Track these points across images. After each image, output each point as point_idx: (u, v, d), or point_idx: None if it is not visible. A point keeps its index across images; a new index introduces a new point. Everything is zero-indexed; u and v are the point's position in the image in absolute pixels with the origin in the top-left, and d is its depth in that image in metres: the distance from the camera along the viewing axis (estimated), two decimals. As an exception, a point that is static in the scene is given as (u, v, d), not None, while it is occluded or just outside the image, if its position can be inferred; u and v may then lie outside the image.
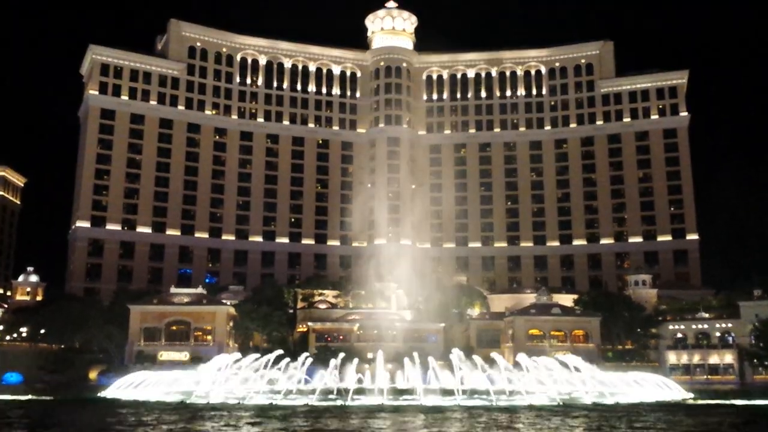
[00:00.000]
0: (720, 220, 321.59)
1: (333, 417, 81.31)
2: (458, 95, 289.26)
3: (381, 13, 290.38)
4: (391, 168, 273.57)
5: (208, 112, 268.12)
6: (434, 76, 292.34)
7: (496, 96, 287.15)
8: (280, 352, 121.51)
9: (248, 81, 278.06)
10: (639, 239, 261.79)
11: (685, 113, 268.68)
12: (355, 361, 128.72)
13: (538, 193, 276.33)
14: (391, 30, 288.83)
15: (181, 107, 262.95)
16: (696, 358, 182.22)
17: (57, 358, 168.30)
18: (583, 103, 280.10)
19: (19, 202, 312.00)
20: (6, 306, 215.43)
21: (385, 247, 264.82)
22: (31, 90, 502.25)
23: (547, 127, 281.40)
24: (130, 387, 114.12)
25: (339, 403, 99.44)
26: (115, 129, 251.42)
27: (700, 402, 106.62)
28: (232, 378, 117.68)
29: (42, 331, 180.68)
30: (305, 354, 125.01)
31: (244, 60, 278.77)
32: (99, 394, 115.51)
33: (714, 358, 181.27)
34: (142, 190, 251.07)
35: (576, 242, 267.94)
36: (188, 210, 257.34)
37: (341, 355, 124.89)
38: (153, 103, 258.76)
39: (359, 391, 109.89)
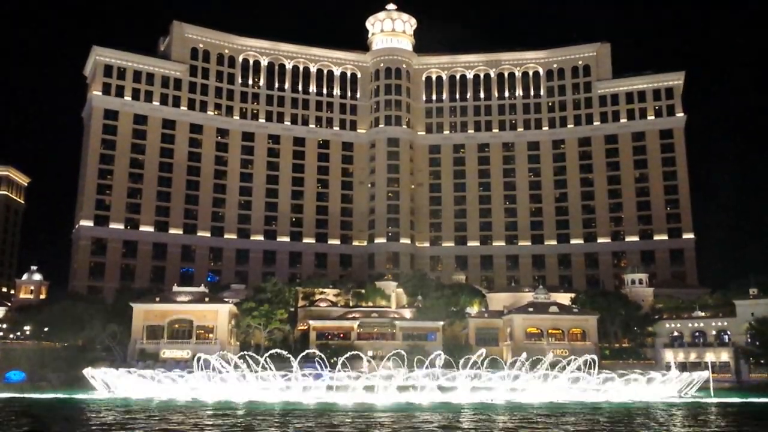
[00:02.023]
0: (716, 220, 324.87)
1: (326, 415, 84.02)
2: (457, 96, 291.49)
3: (381, 15, 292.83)
4: (391, 168, 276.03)
5: (210, 113, 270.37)
6: (433, 77, 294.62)
7: (494, 97, 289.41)
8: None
9: (250, 82, 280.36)
10: (636, 238, 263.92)
11: (682, 114, 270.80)
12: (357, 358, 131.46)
13: (535, 192, 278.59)
14: (391, 32, 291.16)
15: (183, 108, 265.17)
16: (692, 356, 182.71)
17: (60, 357, 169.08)
18: (580, 104, 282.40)
19: (23, 202, 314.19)
20: (9, 304, 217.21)
21: (385, 246, 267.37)
22: (34, 91, 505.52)
23: (545, 128, 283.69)
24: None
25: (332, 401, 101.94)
26: (118, 129, 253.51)
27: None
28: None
29: (45, 330, 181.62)
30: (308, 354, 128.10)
31: (245, 61, 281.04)
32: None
33: (710, 357, 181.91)
34: (144, 190, 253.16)
35: (573, 241, 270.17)
36: (190, 209, 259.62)
37: (346, 354, 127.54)
38: (156, 103, 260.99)
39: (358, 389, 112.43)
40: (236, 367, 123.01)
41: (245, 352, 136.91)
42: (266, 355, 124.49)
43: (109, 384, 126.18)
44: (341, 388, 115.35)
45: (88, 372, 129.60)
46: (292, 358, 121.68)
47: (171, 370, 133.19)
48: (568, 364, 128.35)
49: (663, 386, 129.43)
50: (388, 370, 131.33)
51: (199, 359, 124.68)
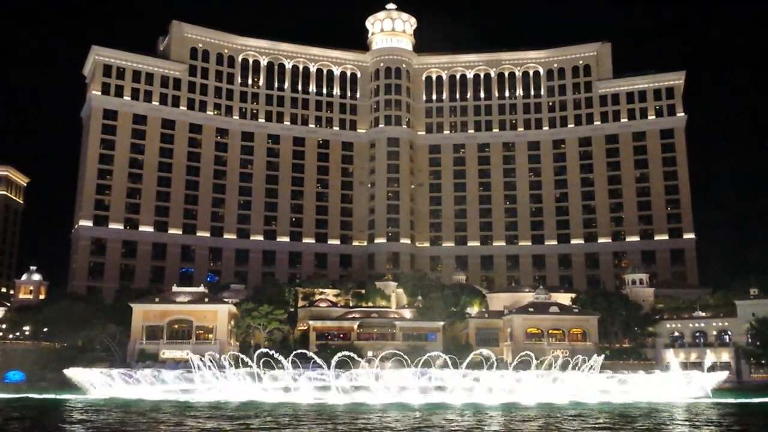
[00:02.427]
0: (716, 220, 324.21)
1: (323, 415, 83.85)
2: (457, 96, 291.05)
3: (381, 14, 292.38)
4: (391, 168, 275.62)
5: (209, 113, 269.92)
6: (434, 77, 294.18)
7: (494, 97, 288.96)
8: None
9: (249, 82, 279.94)
10: (636, 238, 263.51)
11: (682, 114, 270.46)
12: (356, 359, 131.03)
13: (536, 192, 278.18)
14: (391, 31, 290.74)
15: (183, 108, 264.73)
16: (693, 357, 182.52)
17: (59, 357, 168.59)
18: (581, 103, 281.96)
19: (22, 202, 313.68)
20: (9, 304, 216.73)
21: (385, 246, 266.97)
22: (34, 91, 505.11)
23: (546, 128, 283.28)
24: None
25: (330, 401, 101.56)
26: (117, 129, 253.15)
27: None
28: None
29: (44, 330, 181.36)
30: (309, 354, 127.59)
31: (245, 61, 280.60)
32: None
33: (711, 357, 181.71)
34: (144, 190, 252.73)
35: (574, 241, 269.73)
36: (190, 209, 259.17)
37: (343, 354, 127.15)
38: (155, 103, 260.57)
39: (359, 389, 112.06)
40: (222, 367, 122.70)
41: (233, 353, 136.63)
42: (256, 354, 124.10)
43: (95, 385, 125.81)
44: (332, 387, 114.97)
45: (68, 372, 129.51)
46: (283, 360, 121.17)
47: (170, 370, 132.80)
48: (578, 365, 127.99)
49: (683, 386, 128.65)
50: (386, 369, 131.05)
51: (193, 360, 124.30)
